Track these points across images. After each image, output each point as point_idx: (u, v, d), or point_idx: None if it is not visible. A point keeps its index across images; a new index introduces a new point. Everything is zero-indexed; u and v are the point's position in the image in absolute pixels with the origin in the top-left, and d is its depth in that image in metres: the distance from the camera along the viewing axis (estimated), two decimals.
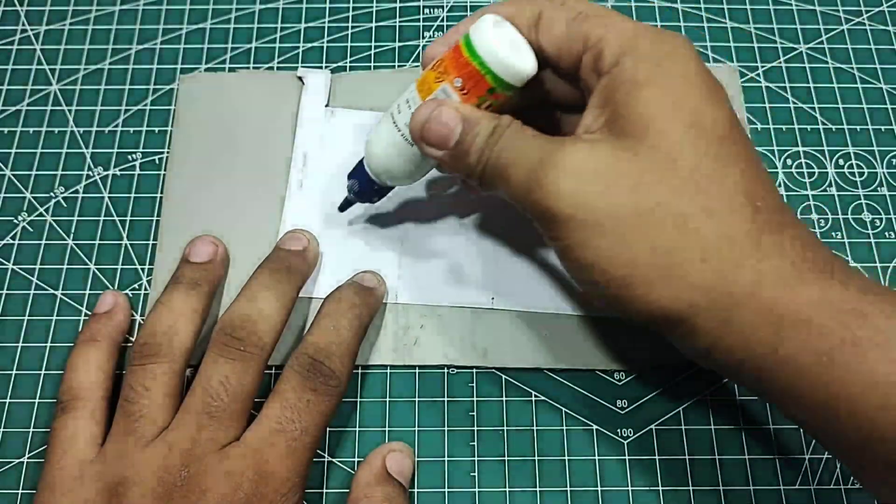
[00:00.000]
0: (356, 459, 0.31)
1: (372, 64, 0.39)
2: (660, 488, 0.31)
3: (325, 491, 0.31)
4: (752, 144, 0.26)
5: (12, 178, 0.36)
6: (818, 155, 0.37)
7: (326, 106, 0.37)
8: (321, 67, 0.39)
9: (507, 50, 0.26)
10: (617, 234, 0.24)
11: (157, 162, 0.37)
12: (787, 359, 0.22)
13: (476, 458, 0.31)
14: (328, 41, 0.40)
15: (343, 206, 0.34)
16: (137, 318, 0.33)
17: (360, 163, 0.31)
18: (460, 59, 0.27)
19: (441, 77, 0.27)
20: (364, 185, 0.31)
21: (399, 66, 0.39)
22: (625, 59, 0.25)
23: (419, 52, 0.39)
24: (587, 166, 0.24)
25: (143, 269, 0.34)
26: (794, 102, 0.38)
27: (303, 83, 0.38)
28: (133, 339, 0.32)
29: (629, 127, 0.24)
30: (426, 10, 0.40)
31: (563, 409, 0.32)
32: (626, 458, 0.31)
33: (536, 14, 0.28)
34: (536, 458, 0.31)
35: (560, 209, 0.24)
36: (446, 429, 0.32)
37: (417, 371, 0.33)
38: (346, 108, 0.37)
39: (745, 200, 0.24)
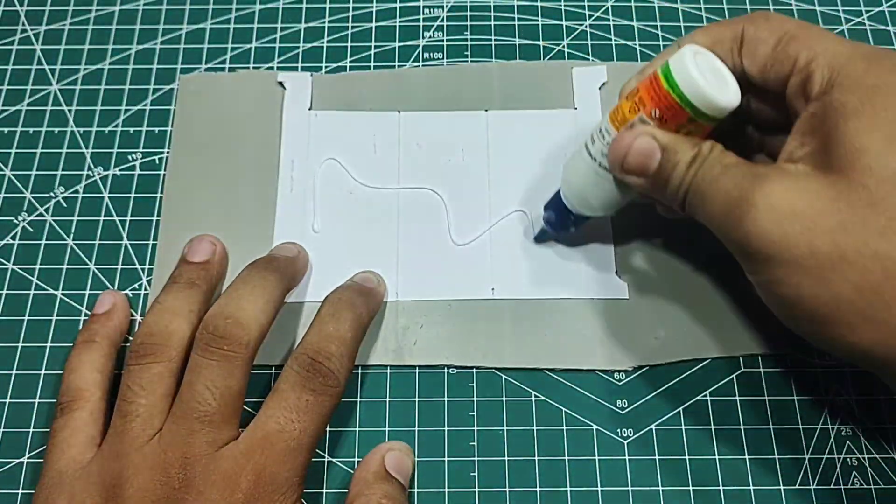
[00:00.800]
0: (356, 459, 0.31)
1: (372, 64, 0.39)
2: (660, 488, 0.31)
3: (324, 491, 0.31)
4: None
5: (12, 178, 0.36)
6: None
7: (310, 109, 0.37)
8: (321, 67, 0.39)
9: (708, 83, 0.25)
10: (819, 274, 0.23)
11: (157, 162, 0.37)
12: None
13: (476, 458, 0.31)
14: (328, 41, 0.40)
15: (539, 237, 0.34)
16: (137, 318, 0.33)
17: (557, 194, 0.31)
18: (659, 90, 0.26)
19: (637, 107, 0.27)
20: (561, 216, 0.32)
21: (399, 65, 0.39)
22: (836, 86, 0.24)
23: (419, 52, 0.39)
24: (788, 205, 0.24)
25: (143, 269, 0.34)
26: None
27: (284, 88, 0.38)
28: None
29: (835, 161, 0.23)
30: (426, 10, 0.40)
31: (563, 409, 0.32)
32: (626, 458, 0.31)
33: (738, 35, 0.27)
34: (536, 458, 0.31)
35: (759, 248, 0.24)
36: (446, 429, 0.32)
37: (417, 371, 0.33)
38: (329, 109, 0.37)
39: None
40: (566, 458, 0.31)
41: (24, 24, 0.40)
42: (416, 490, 0.31)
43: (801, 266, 0.23)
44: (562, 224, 0.32)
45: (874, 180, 0.23)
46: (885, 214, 0.23)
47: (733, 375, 0.32)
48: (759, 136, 0.31)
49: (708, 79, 0.26)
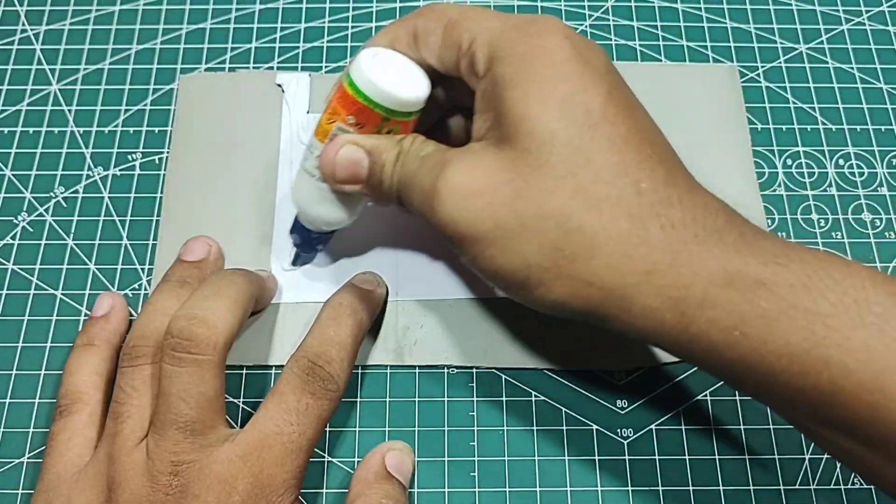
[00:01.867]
0: (356, 459, 0.31)
1: None
2: (660, 488, 0.31)
3: (324, 491, 0.31)
4: (636, 117, 0.25)
5: (12, 178, 0.36)
6: (818, 155, 0.37)
7: (308, 112, 0.37)
8: (321, 67, 0.39)
9: (389, 80, 0.26)
10: (506, 244, 0.24)
11: (157, 162, 0.37)
12: (699, 336, 0.22)
13: (476, 458, 0.31)
14: (328, 41, 0.40)
15: (294, 261, 0.34)
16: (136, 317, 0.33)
17: (296, 219, 0.31)
18: (347, 98, 0.27)
19: (332, 118, 0.27)
20: (305, 238, 0.32)
21: None
22: (495, 60, 0.25)
23: None
24: (467, 185, 0.24)
25: (143, 269, 0.34)
26: (794, 102, 0.38)
27: (282, 90, 0.38)
28: None
29: (504, 132, 0.24)
30: None
31: (563, 409, 0.32)
32: (626, 458, 0.31)
33: (411, 31, 0.28)
34: (536, 458, 0.31)
35: (452, 232, 0.25)
36: (446, 429, 0.32)
37: (417, 371, 0.33)
38: None
39: (625, 187, 0.23)
40: (566, 458, 0.31)
41: (24, 24, 0.40)
42: (416, 490, 0.31)
43: (490, 240, 0.24)
44: (309, 245, 0.32)
45: (536, 143, 0.24)
46: (551, 174, 0.24)
47: None
48: (467, 124, 0.30)
49: (390, 76, 0.26)
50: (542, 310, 0.25)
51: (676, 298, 0.23)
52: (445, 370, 0.33)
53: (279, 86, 0.38)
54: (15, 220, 0.35)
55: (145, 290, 0.34)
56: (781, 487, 0.31)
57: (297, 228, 0.32)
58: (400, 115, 0.27)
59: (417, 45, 0.28)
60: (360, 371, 0.33)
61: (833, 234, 0.35)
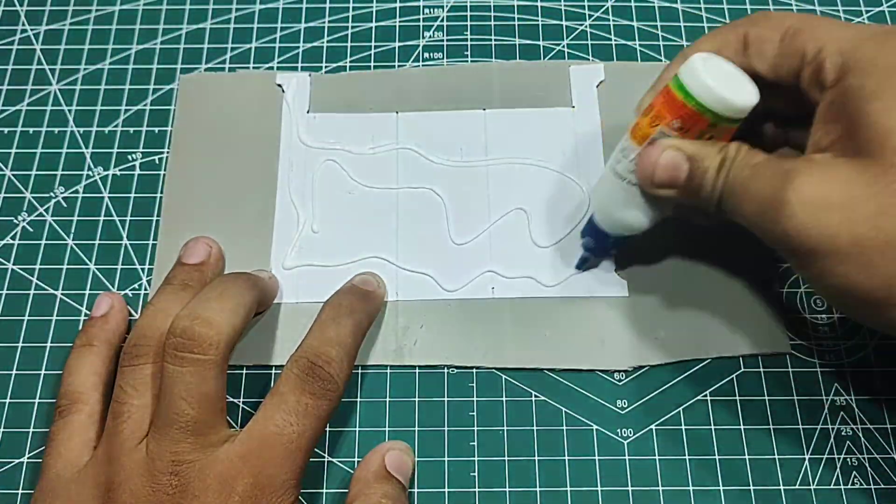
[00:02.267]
0: (356, 459, 0.31)
1: (372, 64, 0.39)
2: (660, 488, 0.31)
3: (324, 491, 0.31)
4: None
5: (12, 178, 0.36)
6: None
7: (308, 112, 0.37)
8: (321, 67, 0.39)
9: (722, 85, 0.26)
10: (865, 261, 0.23)
11: (157, 162, 0.37)
12: None
13: (476, 458, 0.31)
14: (328, 41, 0.40)
15: (580, 265, 0.34)
16: (136, 318, 0.33)
17: (591, 220, 0.32)
18: (675, 102, 0.26)
19: (656, 121, 0.27)
20: (599, 241, 0.32)
21: (399, 65, 0.39)
22: (850, 71, 0.24)
23: (419, 52, 0.39)
24: (823, 196, 0.24)
25: (143, 269, 0.34)
26: None
27: (282, 90, 0.38)
28: None
29: (863, 145, 0.23)
30: (426, 10, 0.40)
31: (563, 409, 0.32)
32: (626, 458, 0.31)
33: (742, 38, 0.27)
34: (536, 458, 0.31)
35: (800, 244, 0.24)
36: (446, 429, 0.32)
37: (417, 371, 0.33)
38: (328, 110, 0.37)
39: None
40: (566, 458, 0.31)
41: (24, 24, 0.40)
42: (416, 490, 0.31)
43: (846, 255, 0.23)
44: (602, 248, 0.33)
45: None
46: None
47: (733, 375, 0.32)
48: (780, 132, 0.31)
49: (721, 82, 0.26)
50: (893, 332, 0.24)
51: None
52: (445, 370, 0.33)
53: (279, 86, 0.38)
54: (15, 220, 0.35)
55: (145, 290, 0.34)
56: (781, 487, 0.31)
57: (592, 232, 0.32)
58: (727, 122, 0.26)
59: (748, 51, 0.27)
60: (360, 371, 0.33)
61: None
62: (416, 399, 0.32)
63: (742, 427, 0.32)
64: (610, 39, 0.39)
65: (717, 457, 0.31)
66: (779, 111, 0.29)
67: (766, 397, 0.32)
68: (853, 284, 0.24)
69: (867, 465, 0.31)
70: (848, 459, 0.31)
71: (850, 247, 0.23)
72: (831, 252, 0.23)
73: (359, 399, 0.32)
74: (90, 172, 0.36)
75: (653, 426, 0.32)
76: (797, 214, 0.24)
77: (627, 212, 0.30)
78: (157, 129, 0.37)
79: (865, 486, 0.31)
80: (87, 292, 0.34)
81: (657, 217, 0.30)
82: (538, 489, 0.31)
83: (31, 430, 0.32)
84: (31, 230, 0.35)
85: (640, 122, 0.28)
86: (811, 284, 0.26)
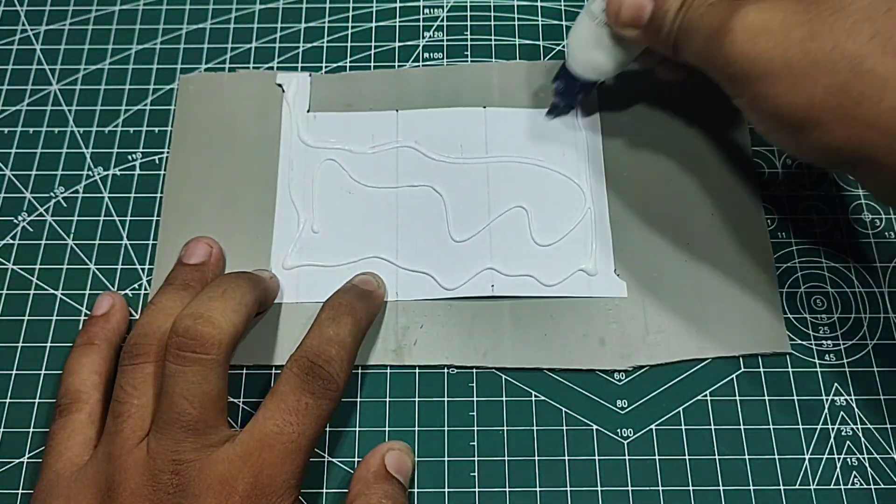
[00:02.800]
0: (356, 459, 0.31)
1: (372, 64, 0.39)
2: (660, 488, 0.31)
3: (324, 491, 0.31)
4: None
5: (12, 178, 0.36)
6: None
7: (308, 111, 0.37)
8: (321, 67, 0.39)
9: None
10: (792, 81, 0.25)
11: (157, 162, 0.37)
12: None
13: (476, 458, 0.31)
14: (328, 41, 0.40)
15: (550, 111, 0.36)
16: (136, 318, 0.33)
17: (563, 66, 0.34)
18: None
19: None
20: (569, 85, 0.34)
21: (399, 65, 0.39)
22: None
23: (419, 52, 0.39)
24: (762, 23, 0.25)
25: (143, 269, 0.34)
26: None
27: (282, 90, 0.38)
28: None
29: None
30: (426, 10, 0.40)
31: (563, 409, 0.32)
32: (626, 458, 0.31)
33: None
34: (536, 458, 0.31)
35: (738, 68, 0.26)
36: (446, 429, 0.32)
37: (417, 371, 0.33)
38: (328, 109, 0.37)
39: None
40: (566, 458, 0.31)
41: (24, 24, 0.40)
42: (416, 490, 0.31)
43: (777, 77, 0.25)
44: (570, 92, 0.35)
45: None
46: (852, 18, 0.24)
47: (733, 375, 0.32)
48: None
49: None
50: (811, 156, 0.26)
51: None
52: (445, 370, 0.33)
53: (279, 86, 0.38)
54: (15, 220, 0.35)
55: (145, 290, 0.34)
56: (781, 487, 0.31)
57: (563, 75, 0.34)
58: None
59: None
60: (360, 371, 0.33)
61: (833, 234, 0.35)
62: (416, 399, 0.32)
63: (742, 427, 0.32)
64: None
65: (717, 457, 0.31)
66: None
67: (766, 397, 0.32)
68: (781, 105, 0.25)
69: (867, 465, 0.31)
70: (848, 459, 0.31)
71: (781, 69, 0.25)
72: (764, 74, 0.25)
73: (359, 399, 0.32)
74: (90, 172, 0.36)
75: (653, 426, 0.32)
76: (737, 40, 0.26)
77: (596, 52, 0.32)
78: (157, 129, 0.37)
79: (865, 486, 0.31)
80: (87, 292, 0.34)
81: (623, 60, 0.32)
82: (538, 489, 0.31)
83: (31, 430, 0.32)
84: (31, 230, 0.35)
85: None
86: (746, 113, 0.28)
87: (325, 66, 0.39)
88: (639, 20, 0.30)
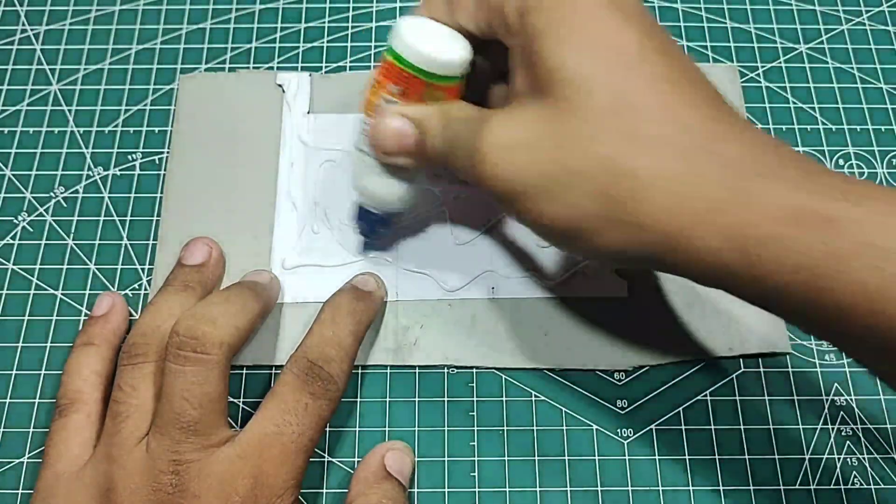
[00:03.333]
0: (356, 459, 0.31)
1: (372, 64, 0.39)
2: (660, 488, 0.31)
3: (324, 491, 0.31)
4: (674, 57, 0.24)
5: (12, 178, 0.36)
6: (818, 155, 0.37)
7: (308, 112, 0.37)
8: (321, 67, 0.39)
9: (426, 44, 0.26)
10: (553, 194, 0.24)
11: (157, 162, 0.37)
12: (764, 277, 0.22)
13: (476, 458, 0.31)
14: (328, 41, 0.40)
15: (363, 249, 0.34)
16: (137, 318, 0.33)
17: (359, 205, 0.32)
18: (391, 68, 0.27)
19: (378, 90, 0.28)
20: (368, 221, 0.32)
21: None
22: (526, 12, 0.24)
23: None
24: (510, 139, 0.24)
25: (143, 269, 0.34)
26: (794, 102, 0.38)
27: (283, 90, 0.38)
28: None
29: (541, 84, 0.24)
30: None
31: (563, 409, 0.32)
32: (626, 458, 0.31)
33: None
34: (536, 458, 0.31)
35: (496, 188, 0.25)
36: (446, 429, 0.32)
37: (417, 371, 0.33)
38: (328, 110, 0.37)
39: (671, 125, 0.22)
40: (566, 458, 0.31)
41: (24, 24, 0.40)
42: (416, 490, 0.31)
43: (537, 192, 0.24)
44: (372, 228, 0.33)
45: (573, 90, 0.23)
46: (593, 119, 0.23)
47: (733, 375, 0.32)
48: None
49: (426, 41, 0.26)
50: (602, 259, 0.25)
51: (739, 237, 0.21)
52: (445, 370, 0.33)
53: (279, 86, 0.38)
54: (15, 220, 0.35)
55: (145, 290, 0.34)
56: (781, 487, 0.31)
57: (360, 214, 0.32)
58: (442, 80, 0.27)
59: (452, 10, 0.27)
60: (360, 371, 0.33)
61: None
62: (416, 399, 0.32)
63: (742, 427, 0.32)
64: None
65: (717, 457, 0.31)
66: (505, 69, 0.29)
67: (766, 397, 0.32)
68: (549, 219, 0.24)
69: (867, 465, 0.31)
70: (848, 459, 0.31)
71: (539, 183, 0.24)
72: (523, 190, 0.24)
73: (359, 399, 0.32)
74: (90, 172, 0.36)
75: (653, 426, 0.32)
76: (489, 159, 0.25)
77: (376, 183, 0.30)
78: (157, 129, 0.37)
79: (865, 486, 0.31)
80: (87, 292, 0.34)
81: (413, 190, 0.30)
82: (538, 489, 0.31)
83: (31, 430, 0.32)
84: (31, 230, 0.35)
85: (367, 94, 0.28)
86: (523, 226, 0.26)
87: (325, 66, 0.39)
88: (406, 147, 0.27)
